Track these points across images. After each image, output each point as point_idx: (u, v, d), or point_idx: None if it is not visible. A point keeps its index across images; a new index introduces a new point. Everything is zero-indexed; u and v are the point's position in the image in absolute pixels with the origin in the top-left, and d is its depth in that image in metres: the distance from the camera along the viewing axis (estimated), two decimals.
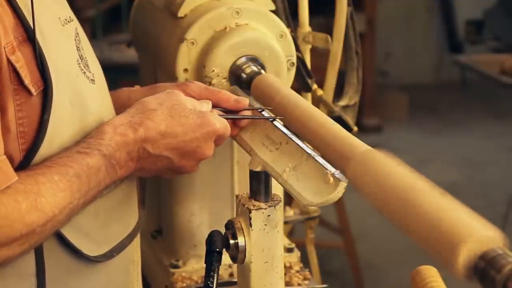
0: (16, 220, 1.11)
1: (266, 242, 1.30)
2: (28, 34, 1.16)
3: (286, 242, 1.71)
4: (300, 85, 1.70)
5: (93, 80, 1.29)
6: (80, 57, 1.28)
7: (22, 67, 1.14)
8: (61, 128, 1.19)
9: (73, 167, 1.17)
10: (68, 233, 1.22)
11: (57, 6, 1.28)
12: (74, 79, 1.24)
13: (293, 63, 1.56)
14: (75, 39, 1.29)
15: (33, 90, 1.15)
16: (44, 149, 1.17)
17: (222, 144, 1.36)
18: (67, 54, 1.25)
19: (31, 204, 1.12)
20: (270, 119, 1.36)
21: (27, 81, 1.14)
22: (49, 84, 1.17)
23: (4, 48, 1.12)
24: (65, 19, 1.28)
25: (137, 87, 1.48)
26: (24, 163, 1.16)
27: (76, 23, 1.32)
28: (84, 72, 1.27)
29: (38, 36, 1.17)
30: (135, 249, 1.41)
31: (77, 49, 1.28)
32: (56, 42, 1.22)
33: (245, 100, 1.40)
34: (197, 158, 1.32)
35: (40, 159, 1.17)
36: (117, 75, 4.10)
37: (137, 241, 1.41)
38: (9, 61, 1.13)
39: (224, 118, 1.35)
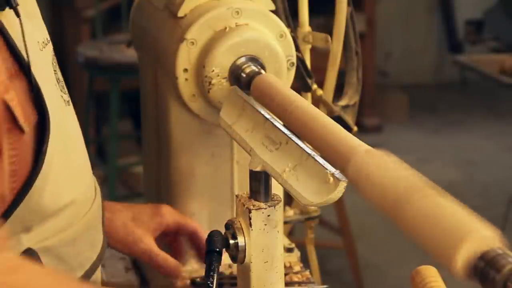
0: None
1: (266, 242, 1.30)
2: (21, 65, 1.11)
3: (286, 242, 1.71)
4: (300, 85, 1.70)
5: (68, 102, 1.24)
6: (57, 80, 1.23)
7: (16, 106, 1.08)
8: (53, 158, 1.14)
9: None
10: (50, 262, 1.18)
11: (34, 28, 1.21)
12: (58, 105, 1.19)
13: (293, 63, 1.56)
14: (52, 63, 1.23)
15: (25, 126, 1.09)
16: (39, 182, 1.12)
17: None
18: (49, 80, 1.20)
19: None
20: None
21: (21, 120, 1.09)
22: (46, 116, 1.12)
23: None
24: (43, 42, 1.21)
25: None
26: (15, 202, 1.11)
27: (51, 45, 1.25)
28: (61, 96, 1.22)
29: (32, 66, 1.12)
30: (100, 269, 1.38)
31: (55, 72, 1.23)
32: (40, 69, 1.16)
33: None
34: None
35: (33, 196, 1.12)
36: (117, 75, 4.10)
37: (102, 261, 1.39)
38: (3, 100, 1.06)
39: None
